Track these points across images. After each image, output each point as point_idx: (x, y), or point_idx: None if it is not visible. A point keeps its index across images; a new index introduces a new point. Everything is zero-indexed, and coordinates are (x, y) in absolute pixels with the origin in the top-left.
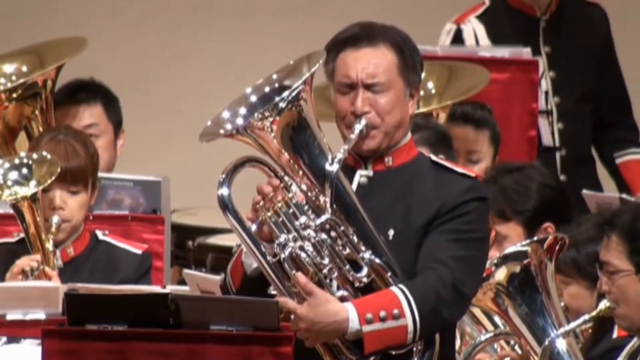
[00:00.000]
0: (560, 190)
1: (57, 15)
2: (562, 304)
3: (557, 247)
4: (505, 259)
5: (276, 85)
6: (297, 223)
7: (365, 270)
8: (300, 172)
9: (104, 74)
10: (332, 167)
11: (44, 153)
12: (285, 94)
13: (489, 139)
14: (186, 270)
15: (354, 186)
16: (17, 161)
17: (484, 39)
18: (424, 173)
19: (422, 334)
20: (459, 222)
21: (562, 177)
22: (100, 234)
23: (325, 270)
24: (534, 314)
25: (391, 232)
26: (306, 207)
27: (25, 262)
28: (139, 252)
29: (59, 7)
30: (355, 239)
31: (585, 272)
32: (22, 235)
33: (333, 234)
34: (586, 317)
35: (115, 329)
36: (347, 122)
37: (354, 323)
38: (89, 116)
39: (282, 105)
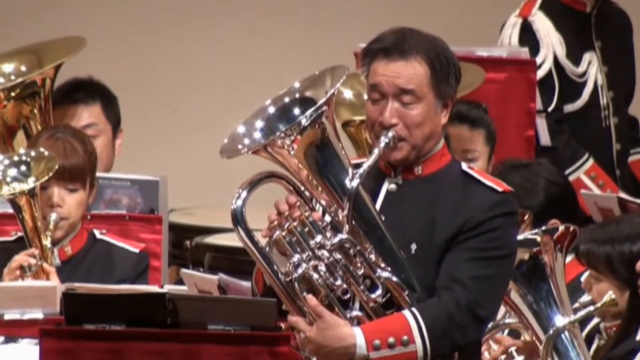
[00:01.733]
0: (566, 187)
1: (56, 14)
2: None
3: (568, 239)
4: None
5: (297, 95)
6: (312, 242)
7: (379, 290)
8: (320, 188)
9: (102, 74)
10: (352, 183)
11: (42, 149)
12: (309, 112)
13: (485, 138)
14: (184, 270)
15: (383, 193)
16: (16, 158)
17: (553, 32)
18: (452, 183)
19: (434, 357)
20: (482, 240)
21: (617, 172)
22: (97, 233)
23: (338, 292)
24: (540, 303)
25: (414, 246)
26: (323, 225)
27: (23, 257)
28: (136, 250)
29: (58, 6)
30: (372, 257)
31: (617, 271)
32: (20, 234)
33: (351, 250)
34: (591, 308)
35: (113, 329)
36: (375, 132)
37: (361, 349)
38: (88, 116)
39: (304, 123)
